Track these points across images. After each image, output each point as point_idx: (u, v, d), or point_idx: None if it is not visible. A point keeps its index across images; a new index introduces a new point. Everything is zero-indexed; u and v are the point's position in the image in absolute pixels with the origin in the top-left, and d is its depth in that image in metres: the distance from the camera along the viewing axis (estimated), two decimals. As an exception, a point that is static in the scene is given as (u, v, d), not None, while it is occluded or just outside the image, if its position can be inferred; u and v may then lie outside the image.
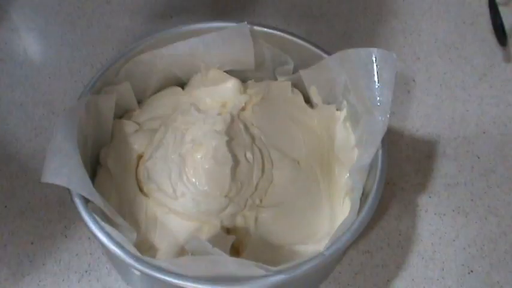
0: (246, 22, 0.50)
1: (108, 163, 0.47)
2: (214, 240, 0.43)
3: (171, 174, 0.45)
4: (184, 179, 0.45)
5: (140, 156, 0.49)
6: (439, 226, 0.53)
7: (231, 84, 0.53)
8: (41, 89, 0.60)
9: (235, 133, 0.48)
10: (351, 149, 0.49)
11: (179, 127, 0.48)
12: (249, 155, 0.47)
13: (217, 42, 0.51)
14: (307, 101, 0.53)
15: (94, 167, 0.48)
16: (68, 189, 0.41)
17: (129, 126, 0.50)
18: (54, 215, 0.52)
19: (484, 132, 0.59)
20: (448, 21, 0.68)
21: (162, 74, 0.53)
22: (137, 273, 0.40)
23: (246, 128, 0.50)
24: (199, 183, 0.45)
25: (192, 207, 0.45)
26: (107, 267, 0.49)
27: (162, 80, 0.53)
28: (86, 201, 0.41)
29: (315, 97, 0.52)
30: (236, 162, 0.46)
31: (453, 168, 0.56)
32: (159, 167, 0.46)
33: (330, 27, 0.67)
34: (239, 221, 0.46)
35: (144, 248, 0.44)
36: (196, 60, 0.52)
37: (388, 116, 0.43)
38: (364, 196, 0.44)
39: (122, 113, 0.52)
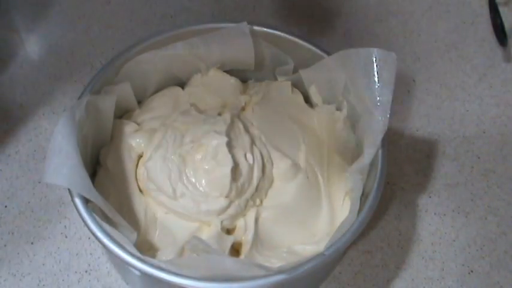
0: (246, 22, 0.50)
1: (108, 163, 0.47)
2: (214, 241, 0.43)
3: (170, 175, 0.45)
4: (184, 180, 0.45)
5: (140, 156, 0.49)
6: (439, 226, 0.53)
7: (231, 84, 0.53)
8: (41, 89, 0.60)
9: (235, 133, 0.48)
10: (351, 149, 0.49)
11: (179, 127, 0.48)
12: (249, 155, 0.47)
13: (218, 42, 0.51)
14: (307, 101, 0.53)
15: (94, 167, 0.48)
16: (68, 189, 0.41)
17: (129, 126, 0.50)
18: (54, 215, 0.52)
19: (484, 132, 0.59)
20: (448, 21, 0.68)
21: (162, 74, 0.53)
22: (137, 273, 0.40)
23: (246, 128, 0.49)
24: (199, 184, 0.45)
25: (191, 207, 0.45)
26: (107, 267, 0.49)
27: (162, 80, 0.53)
28: (86, 201, 0.41)
29: (315, 97, 0.52)
30: (236, 163, 0.46)
31: (453, 168, 0.56)
32: (159, 168, 0.46)
33: (330, 27, 0.67)
34: (239, 222, 0.46)
35: (144, 248, 0.44)
36: (196, 60, 0.52)
37: (388, 116, 0.43)
38: (364, 196, 0.44)
39: (122, 113, 0.52)
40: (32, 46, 0.64)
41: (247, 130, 0.49)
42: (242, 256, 0.44)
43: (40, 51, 0.64)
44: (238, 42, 0.51)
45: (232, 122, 0.49)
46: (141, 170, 0.48)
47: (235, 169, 0.45)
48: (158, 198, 0.46)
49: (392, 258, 0.51)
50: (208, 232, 0.44)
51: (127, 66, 0.50)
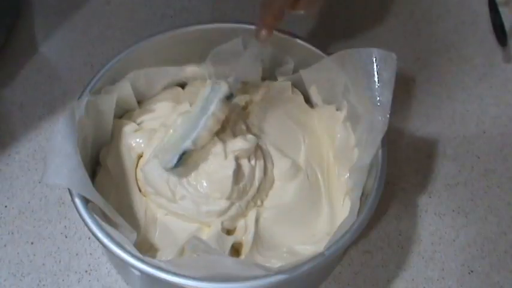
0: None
1: (108, 163, 0.47)
2: (215, 241, 0.43)
3: (169, 178, 0.45)
4: (184, 182, 0.45)
5: (140, 156, 0.49)
6: (439, 226, 0.53)
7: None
8: (41, 89, 0.60)
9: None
10: (351, 149, 0.49)
11: (179, 127, 0.48)
12: (251, 156, 0.47)
13: (226, 63, 0.51)
14: (307, 101, 0.53)
15: (94, 167, 0.48)
16: (68, 189, 0.41)
17: (129, 126, 0.50)
18: (54, 215, 0.52)
19: (484, 132, 0.59)
20: (448, 21, 0.68)
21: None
22: (137, 273, 0.40)
23: (247, 128, 0.49)
24: (200, 186, 0.45)
25: (192, 209, 0.45)
26: (107, 267, 0.49)
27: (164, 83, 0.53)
28: (86, 201, 0.41)
29: (315, 97, 0.52)
30: (239, 164, 0.46)
31: (453, 168, 0.56)
32: (157, 171, 0.46)
33: (330, 27, 0.67)
34: (240, 222, 0.46)
35: (144, 248, 0.44)
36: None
37: (388, 116, 0.43)
38: (364, 196, 0.44)
39: (122, 113, 0.52)
40: (32, 46, 0.64)
41: (248, 130, 0.49)
42: (242, 256, 0.44)
43: (40, 51, 0.64)
44: (245, 61, 0.49)
45: (233, 122, 0.48)
46: (140, 171, 0.48)
47: (237, 171, 0.45)
48: (157, 201, 0.46)
49: (392, 258, 0.51)
50: (209, 232, 0.44)
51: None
